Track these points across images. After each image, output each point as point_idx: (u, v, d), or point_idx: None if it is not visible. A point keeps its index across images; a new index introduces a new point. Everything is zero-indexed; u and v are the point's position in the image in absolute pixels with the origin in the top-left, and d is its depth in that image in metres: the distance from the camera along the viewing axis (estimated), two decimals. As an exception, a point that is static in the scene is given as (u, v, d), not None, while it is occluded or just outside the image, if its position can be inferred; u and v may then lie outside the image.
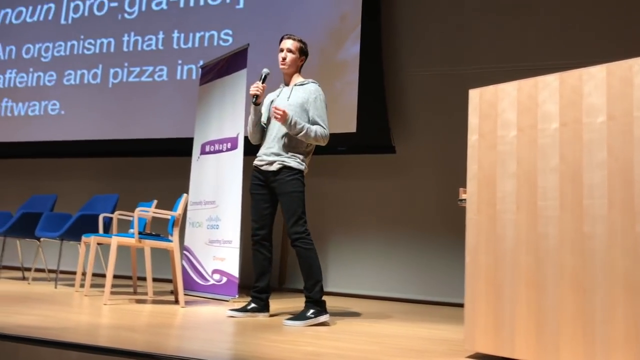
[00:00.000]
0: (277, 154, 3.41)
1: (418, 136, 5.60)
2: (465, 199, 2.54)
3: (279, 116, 3.26)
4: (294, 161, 3.40)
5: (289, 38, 3.54)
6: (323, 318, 3.29)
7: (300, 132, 3.33)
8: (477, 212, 2.46)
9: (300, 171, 3.42)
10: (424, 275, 5.38)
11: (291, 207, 3.35)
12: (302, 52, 3.57)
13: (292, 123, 3.30)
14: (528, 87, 2.34)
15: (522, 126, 2.34)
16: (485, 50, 5.48)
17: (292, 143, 3.43)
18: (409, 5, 5.85)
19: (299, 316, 3.26)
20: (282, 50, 3.53)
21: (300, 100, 3.43)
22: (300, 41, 3.55)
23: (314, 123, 3.41)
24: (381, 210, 5.64)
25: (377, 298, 5.44)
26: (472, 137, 2.52)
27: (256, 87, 3.42)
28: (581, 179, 2.12)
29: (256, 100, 3.44)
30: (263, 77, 3.48)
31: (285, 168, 3.39)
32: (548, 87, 2.27)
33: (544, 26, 5.34)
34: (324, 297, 3.35)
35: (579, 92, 2.16)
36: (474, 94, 2.54)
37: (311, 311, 3.27)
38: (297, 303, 3.93)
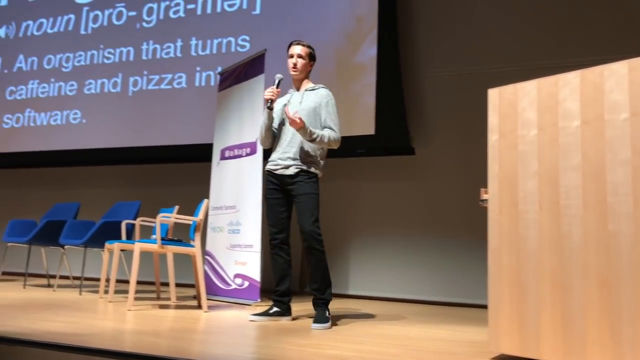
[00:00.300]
0: (293, 158, 3.44)
1: (437, 137, 5.58)
2: (486, 200, 2.53)
3: (297, 121, 3.27)
4: (310, 166, 3.44)
5: (297, 44, 3.58)
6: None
7: (316, 138, 3.36)
8: (499, 212, 2.44)
9: (316, 175, 3.47)
10: (445, 276, 5.35)
11: (309, 208, 3.38)
12: (311, 57, 3.61)
13: (308, 130, 3.33)
14: (548, 85, 2.32)
15: (543, 125, 2.32)
16: (503, 49, 5.44)
17: (307, 147, 3.45)
18: (426, 5, 5.83)
19: (320, 319, 3.27)
20: (292, 56, 3.56)
21: (313, 105, 3.47)
22: (308, 46, 3.59)
23: (327, 126, 3.45)
24: (401, 212, 5.62)
25: (398, 300, 5.42)
26: (493, 137, 2.50)
27: (271, 92, 3.45)
28: (604, 176, 2.09)
29: (270, 105, 3.47)
30: (277, 82, 3.51)
31: (302, 172, 3.42)
32: (569, 84, 2.25)
33: (563, 24, 5.28)
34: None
35: (601, 89, 2.14)
36: (493, 94, 2.53)
37: (327, 312, 3.34)
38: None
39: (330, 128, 3.45)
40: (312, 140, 3.37)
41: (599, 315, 2.06)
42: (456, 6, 5.72)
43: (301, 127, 3.29)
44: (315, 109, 3.46)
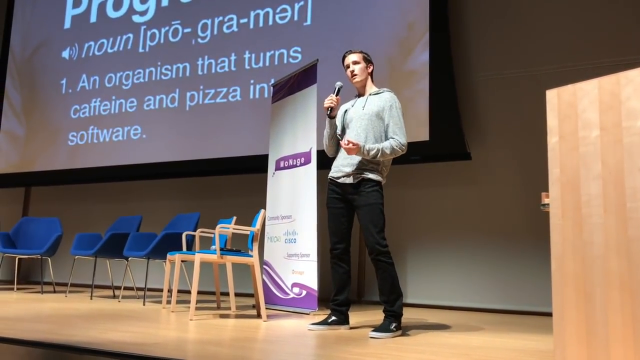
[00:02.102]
0: (355, 166, 3.41)
1: (494, 141, 5.48)
2: (548, 204, 2.46)
3: (350, 148, 3.28)
4: (373, 173, 3.39)
5: (350, 53, 3.60)
6: (399, 332, 3.30)
7: (376, 154, 3.34)
8: (561, 217, 2.37)
9: (379, 182, 3.41)
10: (507, 283, 5.23)
11: (372, 219, 3.33)
12: (367, 60, 3.60)
13: (366, 151, 3.32)
14: (609, 84, 2.25)
15: (605, 125, 2.24)
16: (557, 49, 5.31)
17: None
18: (476, 8, 5.75)
19: (383, 328, 3.24)
20: (348, 66, 3.57)
21: (376, 109, 3.44)
22: (361, 52, 3.60)
23: (390, 132, 3.41)
24: (459, 218, 5.53)
25: (458, 309, 5.33)
26: (552, 139, 2.44)
27: (330, 100, 3.46)
28: (674, 177, 2.00)
29: (330, 113, 3.47)
30: (337, 90, 3.52)
31: (364, 180, 3.38)
32: (631, 82, 2.17)
33: (617, 20, 5.10)
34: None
35: (667, 86, 2.05)
36: (552, 95, 2.46)
37: (394, 324, 3.26)
38: (377, 316, 3.91)
39: (393, 135, 3.40)
40: (374, 158, 3.35)
41: (672, 323, 1.96)
42: (506, 7, 5.62)
43: (357, 152, 3.30)
44: (378, 113, 3.44)
